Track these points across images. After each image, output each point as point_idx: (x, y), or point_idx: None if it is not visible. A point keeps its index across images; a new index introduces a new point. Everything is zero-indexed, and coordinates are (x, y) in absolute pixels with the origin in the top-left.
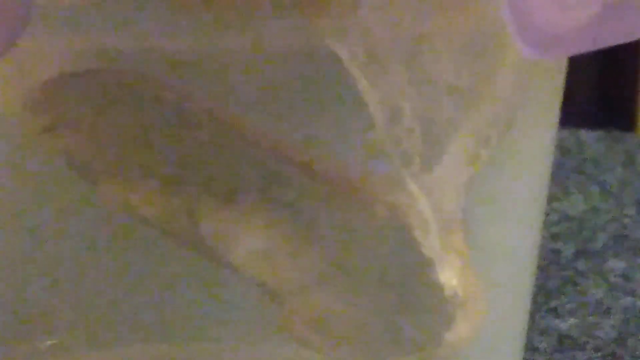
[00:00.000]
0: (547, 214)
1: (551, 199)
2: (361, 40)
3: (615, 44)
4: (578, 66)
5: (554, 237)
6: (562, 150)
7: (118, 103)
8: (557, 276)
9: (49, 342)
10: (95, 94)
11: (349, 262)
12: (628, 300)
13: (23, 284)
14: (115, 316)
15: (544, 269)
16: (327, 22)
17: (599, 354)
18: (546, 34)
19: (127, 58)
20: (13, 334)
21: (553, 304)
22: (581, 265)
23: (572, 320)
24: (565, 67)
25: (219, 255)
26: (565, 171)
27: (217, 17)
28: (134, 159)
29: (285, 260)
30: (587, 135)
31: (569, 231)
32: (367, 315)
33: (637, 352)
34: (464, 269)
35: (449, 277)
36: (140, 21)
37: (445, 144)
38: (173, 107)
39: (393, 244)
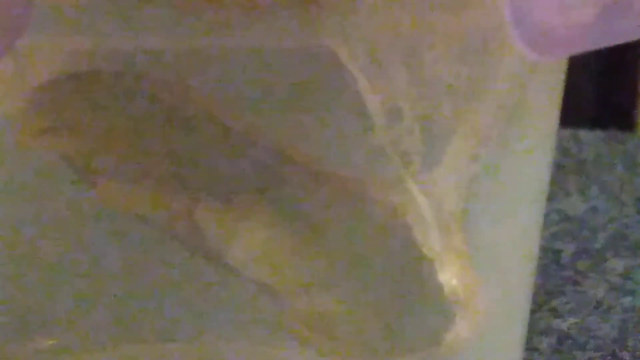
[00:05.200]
0: (547, 214)
1: (551, 199)
2: (361, 40)
3: (615, 44)
4: (578, 66)
5: (554, 237)
6: (562, 150)
7: (118, 103)
8: (557, 276)
9: (49, 342)
10: (95, 94)
11: (349, 262)
12: (628, 300)
13: (23, 284)
14: (115, 316)
15: (544, 269)
16: (327, 22)
17: (599, 354)
18: (546, 34)
19: (127, 58)
20: (13, 334)
21: (553, 304)
22: (581, 265)
23: (572, 320)
24: (565, 67)
25: (219, 255)
26: (565, 171)
27: (217, 17)
28: (133, 159)
29: (285, 260)
30: (587, 135)
31: (569, 231)
32: (367, 315)
33: (637, 352)
34: (464, 269)
35: (449, 277)
36: (140, 21)
37: (445, 144)
38: (172, 107)
39: (393, 244)
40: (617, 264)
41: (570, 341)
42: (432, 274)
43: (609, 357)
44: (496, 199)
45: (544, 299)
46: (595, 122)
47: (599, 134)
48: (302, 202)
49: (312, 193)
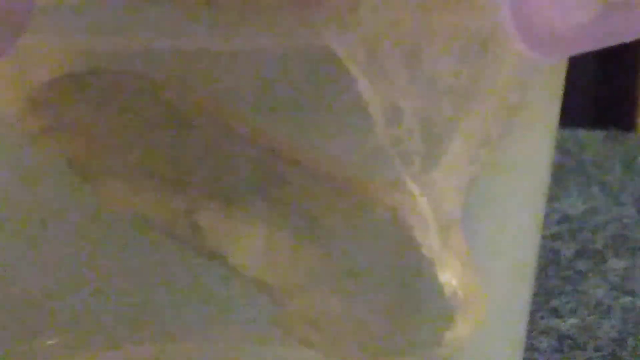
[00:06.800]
0: (547, 214)
1: (551, 199)
2: (361, 40)
3: (615, 44)
4: (578, 66)
5: (554, 237)
6: (562, 150)
7: (118, 103)
8: (557, 276)
9: (49, 342)
10: (95, 94)
11: (349, 262)
12: (628, 300)
13: (23, 284)
14: (116, 316)
15: (544, 269)
16: (327, 22)
17: (599, 354)
18: (546, 34)
19: (127, 58)
20: (13, 334)
21: (553, 304)
22: (581, 265)
23: (572, 320)
24: (565, 67)
25: (219, 255)
26: (565, 171)
27: (217, 17)
28: (133, 160)
29: (285, 260)
30: (587, 135)
31: (569, 231)
32: (367, 315)
33: (637, 352)
34: (464, 269)
35: (449, 277)
36: (139, 21)
37: (445, 144)
38: (172, 108)
39: (393, 244)
40: (617, 264)
41: (570, 341)
42: (432, 274)
43: (609, 357)
44: (496, 199)
45: (544, 299)
46: (595, 122)
47: (599, 134)
48: (302, 202)
49: (312, 193)
